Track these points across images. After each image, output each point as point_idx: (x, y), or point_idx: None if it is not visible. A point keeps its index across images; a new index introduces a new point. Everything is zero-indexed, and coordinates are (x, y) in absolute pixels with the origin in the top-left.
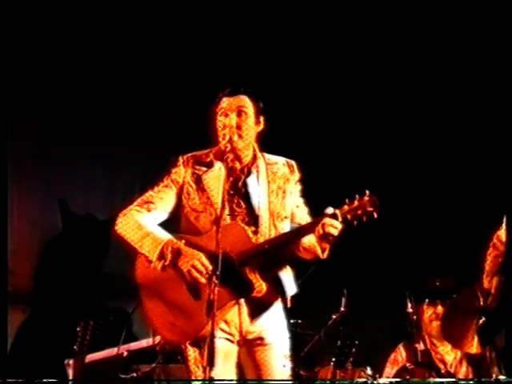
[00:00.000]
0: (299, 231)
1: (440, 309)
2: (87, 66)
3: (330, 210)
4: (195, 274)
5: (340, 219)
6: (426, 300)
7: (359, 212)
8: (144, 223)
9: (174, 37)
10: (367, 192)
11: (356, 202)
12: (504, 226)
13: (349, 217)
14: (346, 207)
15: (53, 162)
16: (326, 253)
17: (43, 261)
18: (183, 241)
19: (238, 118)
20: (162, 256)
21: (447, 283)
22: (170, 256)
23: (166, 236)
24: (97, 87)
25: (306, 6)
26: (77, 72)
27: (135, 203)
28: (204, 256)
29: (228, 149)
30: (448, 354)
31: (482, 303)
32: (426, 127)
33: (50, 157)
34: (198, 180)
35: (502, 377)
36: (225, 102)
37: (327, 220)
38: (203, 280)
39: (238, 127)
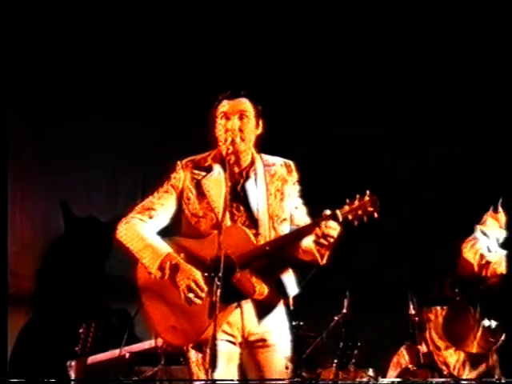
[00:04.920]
0: (299, 233)
1: None
2: (88, 66)
3: (327, 212)
4: (189, 294)
5: (341, 219)
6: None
7: (360, 212)
8: (145, 234)
9: (175, 38)
10: (367, 192)
11: (356, 202)
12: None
13: (349, 217)
14: (346, 207)
15: (54, 163)
16: (325, 258)
17: (45, 262)
18: (182, 254)
19: (240, 122)
20: (161, 269)
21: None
22: (168, 271)
23: (165, 249)
24: (98, 87)
25: (305, 5)
26: (78, 72)
27: (136, 210)
28: (200, 275)
29: (230, 151)
30: (451, 356)
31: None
32: (427, 127)
33: (52, 157)
34: (198, 185)
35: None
36: (225, 104)
37: (325, 221)
38: (197, 300)
39: (240, 131)
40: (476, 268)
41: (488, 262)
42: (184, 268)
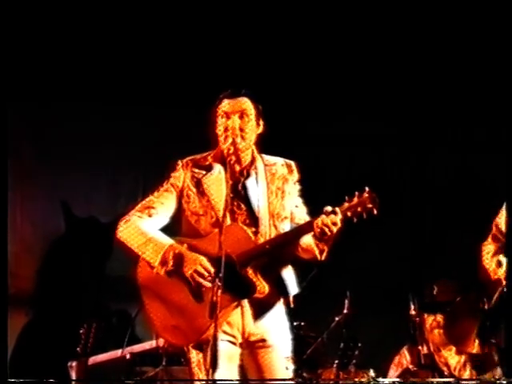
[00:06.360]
0: (299, 230)
1: (440, 317)
2: (88, 67)
3: (329, 208)
4: (198, 278)
5: (340, 216)
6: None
7: (359, 209)
8: (145, 229)
9: (174, 38)
10: (366, 189)
11: (355, 199)
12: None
13: (349, 214)
14: (345, 204)
15: (54, 163)
16: (324, 254)
17: (45, 262)
18: (185, 245)
19: (241, 121)
20: (164, 261)
21: (443, 293)
22: (171, 261)
23: (167, 241)
24: (98, 88)
25: (305, 6)
26: (77, 73)
27: (136, 209)
28: (206, 259)
29: (231, 151)
30: (452, 357)
31: (486, 305)
32: (427, 127)
33: (52, 157)
34: (198, 183)
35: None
36: (226, 103)
37: (327, 216)
38: (207, 284)
39: (241, 129)
40: (492, 274)
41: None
42: (188, 256)
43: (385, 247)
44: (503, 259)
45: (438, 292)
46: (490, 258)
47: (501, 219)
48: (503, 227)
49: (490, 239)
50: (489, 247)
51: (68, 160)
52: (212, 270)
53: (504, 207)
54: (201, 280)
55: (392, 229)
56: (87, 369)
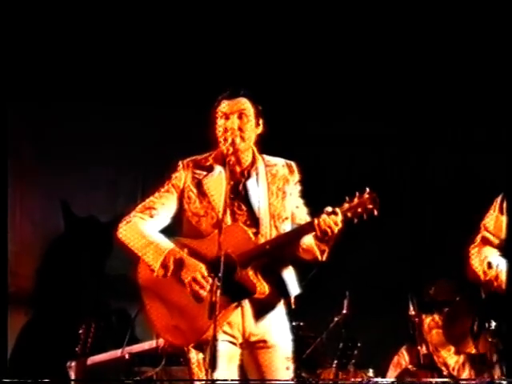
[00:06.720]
0: (300, 230)
1: (437, 317)
2: (88, 67)
3: (329, 208)
4: (196, 287)
5: (340, 217)
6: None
7: (359, 209)
8: (147, 231)
9: (174, 38)
10: (367, 189)
11: (356, 200)
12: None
13: (349, 214)
14: (346, 205)
15: (54, 163)
16: (325, 255)
17: (45, 262)
18: (186, 250)
19: (239, 121)
20: (164, 266)
21: (441, 292)
22: (172, 266)
23: (168, 245)
24: (97, 88)
25: (305, 6)
26: (77, 73)
27: (137, 209)
28: (205, 267)
29: (230, 151)
30: (451, 357)
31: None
32: (427, 127)
33: (52, 157)
34: (199, 184)
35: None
36: (225, 104)
37: (328, 216)
38: (204, 293)
39: (240, 130)
40: (482, 276)
41: (495, 271)
42: (188, 262)
43: (385, 247)
44: (494, 260)
45: (437, 292)
46: (480, 259)
47: (489, 219)
48: (492, 227)
49: (478, 240)
50: (477, 249)
51: (68, 160)
52: (210, 279)
53: (493, 208)
54: (197, 289)
55: (392, 229)
56: (86, 369)
